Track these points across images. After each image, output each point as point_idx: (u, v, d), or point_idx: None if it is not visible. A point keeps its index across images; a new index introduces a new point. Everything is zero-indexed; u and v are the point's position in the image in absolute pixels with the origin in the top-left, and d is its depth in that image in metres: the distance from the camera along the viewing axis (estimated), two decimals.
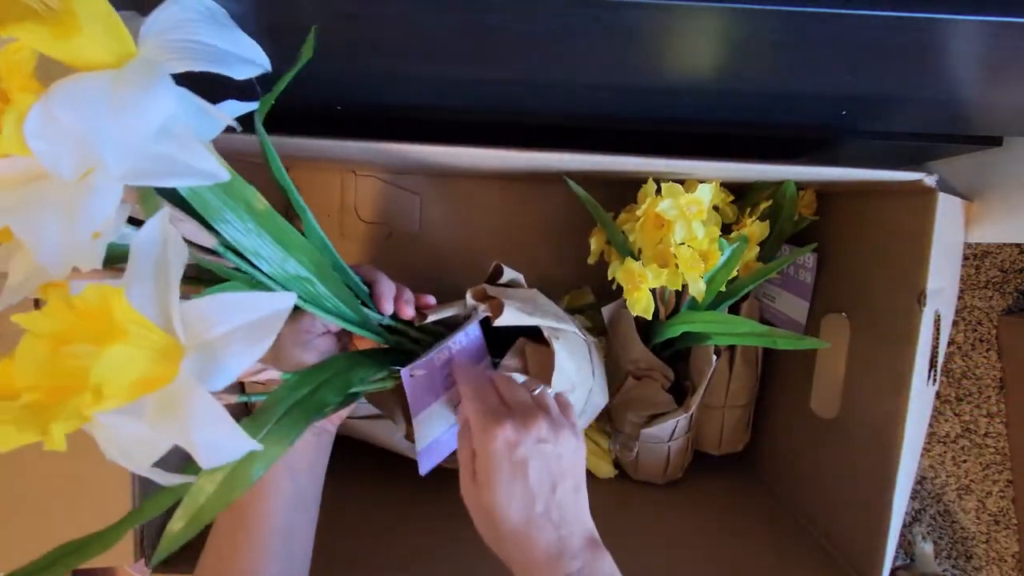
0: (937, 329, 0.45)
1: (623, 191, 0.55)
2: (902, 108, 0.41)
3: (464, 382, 0.38)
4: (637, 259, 0.50)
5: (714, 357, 0.55)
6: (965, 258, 0.67)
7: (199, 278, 0.31)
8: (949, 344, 0.68)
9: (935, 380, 0.46)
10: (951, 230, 0.47)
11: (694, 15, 0.27)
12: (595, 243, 0.58)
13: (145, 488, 0.44)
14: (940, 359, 0.46)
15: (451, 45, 0.33)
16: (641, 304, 0.50)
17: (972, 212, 0.52)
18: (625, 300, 0.51)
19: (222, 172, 0.23)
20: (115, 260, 0.25)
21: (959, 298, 0.67)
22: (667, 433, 0.57)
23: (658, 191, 0.48)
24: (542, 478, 0.33)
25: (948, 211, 0.44)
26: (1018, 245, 0.66)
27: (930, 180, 0.43)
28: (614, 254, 0.56)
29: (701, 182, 0.48)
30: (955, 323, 0.68)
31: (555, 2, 0.27)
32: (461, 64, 0.36)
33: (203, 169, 0.23)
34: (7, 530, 0.43)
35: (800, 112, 0.43)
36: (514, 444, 0.33)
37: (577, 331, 0.49)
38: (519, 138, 0.44)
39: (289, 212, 0.33)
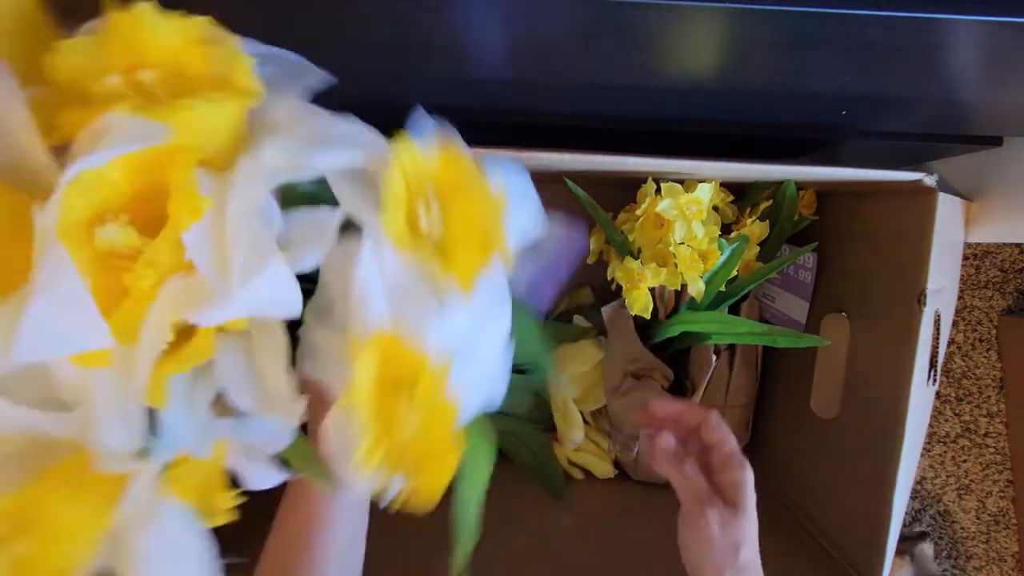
0: (937, 329, 0.45)
1: (623, 191, 0.55)
2: (902, 108, 0.41)
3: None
4: (637, 259, 0.50)
5: (713, 357, 0.55)
6: (965, 258, 0.67)
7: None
8: (949, 344, 0.68)
9: (935, 380, 0.46)
10: (951, 230, 0.47)
11: (694, 15, 0.27)
12: (595, 243, 0.58)
13: None
14: (940, 359, 0.46)
15: (451, 44, 0.33)
16: (640, 303, 0.50)
17: (972, 212, 0.52)
18: (624, 300, 0.51)
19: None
20: None
21: (959, 298, 0.67)
22: None
23: (658, 191, 0.48)
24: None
25: (948, 211, 0.44)
26: (1018, 245, 0.66)
27: (930, 180, 0.43)
28: (613, 254, 0.56)
29: (701, 182, 0.48)
30: (955, 323, 0.68)
31: (555, 2, 0.27)
32: (461, 63, 0.36)
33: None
34: None
35: (800, 112, 0.42)
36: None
37: None
38: (519, 138, 0.43)
39: None
